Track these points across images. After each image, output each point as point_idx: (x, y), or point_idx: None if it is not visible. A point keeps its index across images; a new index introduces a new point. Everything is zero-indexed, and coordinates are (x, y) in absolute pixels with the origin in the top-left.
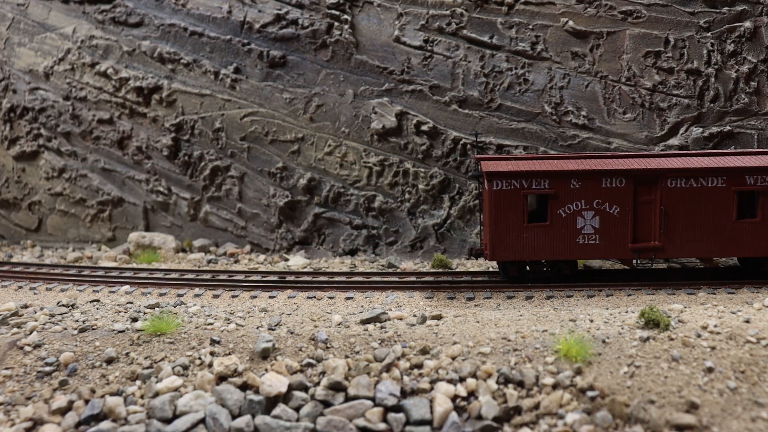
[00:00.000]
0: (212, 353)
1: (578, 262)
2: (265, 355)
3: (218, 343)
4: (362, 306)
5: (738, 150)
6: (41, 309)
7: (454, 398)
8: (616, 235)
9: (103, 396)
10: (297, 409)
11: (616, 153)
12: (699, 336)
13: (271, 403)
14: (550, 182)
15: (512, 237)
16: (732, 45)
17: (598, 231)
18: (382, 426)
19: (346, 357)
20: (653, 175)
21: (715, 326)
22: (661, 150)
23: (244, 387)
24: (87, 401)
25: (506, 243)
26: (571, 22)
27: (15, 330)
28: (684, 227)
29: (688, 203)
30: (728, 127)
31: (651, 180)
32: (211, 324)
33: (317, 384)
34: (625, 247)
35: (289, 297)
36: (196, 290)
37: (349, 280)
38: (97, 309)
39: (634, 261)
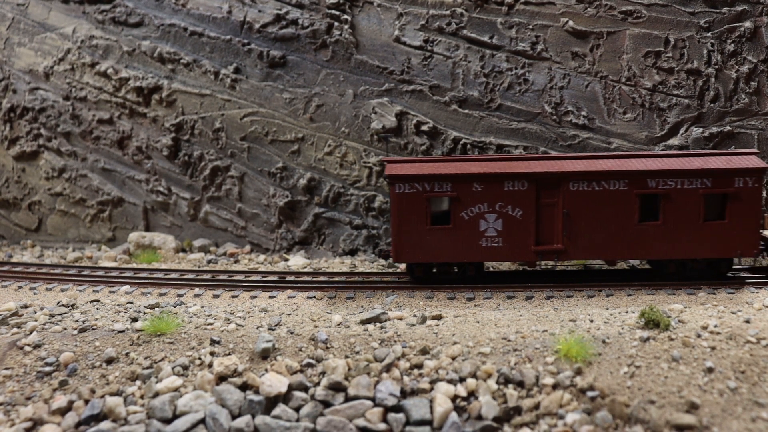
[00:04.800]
0: (212, 353)
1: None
2: (265, 355)
3: (218, 343)
4: (362, 306)
5: (640, 153)
6: (41, 309)
7: (454, 398)
8: (519, 238)
9: (103, 396)
10: (297, 410)
11: (519, 156)
12: (699, 336)
13: (271, 403)
14: (452, 185)
15: (415, 239)
16: (732, 45)
17: (501, 233)
18: (382, 426)
19: (346, 357)
20: (555, 178)
21: (716, 326)
22: (662, 150)
23: (244, 387)
24: (87, 401)
25: (410, 245)
26: (571, 22)
27: (15, 330)
28: (587, 230)
29: (590, 206)
30: (728, 127)
31: (553, 183)
32: (211, 324)
33: (317, 384)
34: (527, 250)
35: (289, 297)
36: (196, 290)
37: (349, 280)
38: (97, 309)
39: (538, 263)
